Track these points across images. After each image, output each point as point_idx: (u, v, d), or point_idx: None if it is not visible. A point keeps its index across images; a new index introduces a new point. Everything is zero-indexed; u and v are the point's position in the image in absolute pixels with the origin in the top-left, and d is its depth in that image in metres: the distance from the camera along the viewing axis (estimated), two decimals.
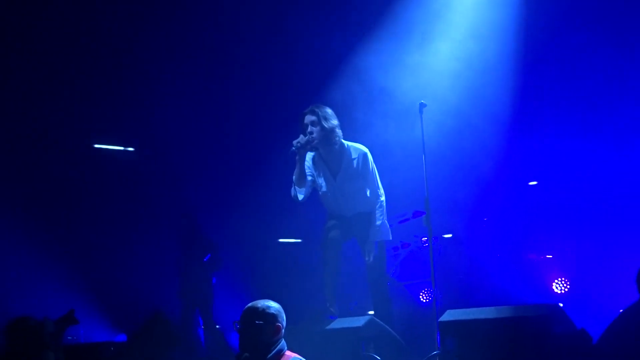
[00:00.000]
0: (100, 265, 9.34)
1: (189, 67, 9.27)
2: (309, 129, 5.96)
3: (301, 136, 5.95)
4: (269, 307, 3.96)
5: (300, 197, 6.06)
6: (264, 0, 9.00)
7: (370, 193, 6.11)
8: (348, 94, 8.11)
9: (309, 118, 5.99)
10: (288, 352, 3.92)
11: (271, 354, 3.84)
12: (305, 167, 6.11)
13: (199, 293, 8.10)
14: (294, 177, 6.04)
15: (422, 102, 6.06)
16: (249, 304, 3.98)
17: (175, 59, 9.23)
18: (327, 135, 5.96)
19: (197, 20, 9.17)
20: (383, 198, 6.18)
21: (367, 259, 6.04)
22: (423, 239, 8.18)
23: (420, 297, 8.30)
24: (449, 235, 8.20)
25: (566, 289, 7.72)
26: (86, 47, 8.94)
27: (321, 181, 6.19)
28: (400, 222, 8.29)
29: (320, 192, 6.25)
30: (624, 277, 6.35)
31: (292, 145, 5.90)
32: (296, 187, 6.03)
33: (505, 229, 8.20)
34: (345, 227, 6.18)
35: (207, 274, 8.22)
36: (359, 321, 5.59)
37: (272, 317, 3.93)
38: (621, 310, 4.48)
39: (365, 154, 6.10)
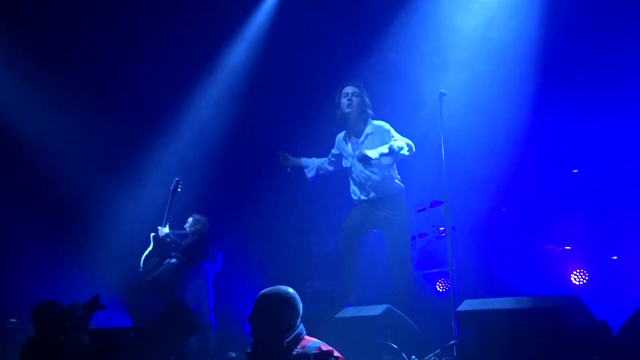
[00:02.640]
0: (120, 253, 9.47)
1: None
2: (348, 97, 6.32)
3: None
4: (287, 291, 3.96)
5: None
6: None
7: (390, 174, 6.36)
8: (366, 81, 8.12)
9: (351, 89, 6.38)
10: (307, 337, 3.91)
11: (289, 338, 3.81)
12: (332, 151, 6.59)
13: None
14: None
15: (441, 92, 6.08)
16: (264, 290, 3.99)
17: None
18: (364, 108, 6.35)
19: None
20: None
21: (393, 246, 6.24)
22: (440, 228, 8.17)
23: (437, 287, 8.29)
24: (466, 226, 8.19)
25: (585, 281, 7.68)
26: None
27: (346, 161, 6.48)
28: (418, 211, 8.29)
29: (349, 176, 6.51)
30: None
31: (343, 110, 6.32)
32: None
33: (524, 219, 8.16)
34: (367, 215, 6.30)
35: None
36: (376, 310, 5.63)
37: (291, 301, 3.93)
38: None
39: (388, 130, 6.38)
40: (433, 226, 8.25)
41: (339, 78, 7.08)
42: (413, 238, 8.26)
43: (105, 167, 9.68)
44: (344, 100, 6.38)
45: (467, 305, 5.05)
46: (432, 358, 5.07)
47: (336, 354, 3.78)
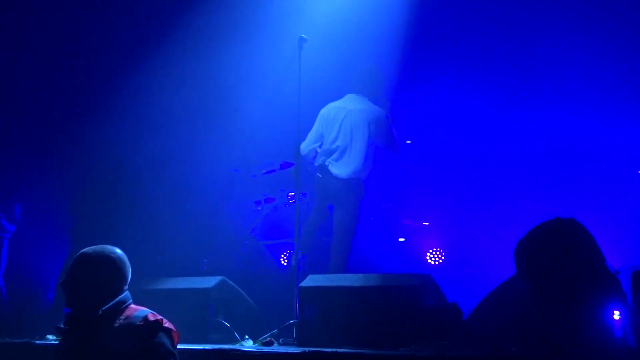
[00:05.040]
0: None
1: None
2: None
3: None
4: (113, 251, 3.81)
5: None
6: None
7: None
8: (215, 21, 7.94)
9: None
10: (133, 306, 3.78)
11: (106, 307, 3.67)
12: None
13: None
14: None
15: (302, 37, 6.08)
16: (84, 250, 3.81)
17: None
18: None
19: None
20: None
21: None
22: (290, 194, 8.24)
23: (282, 259, 8.39)
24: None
25: (441, 260, 8.05)
26: None
27: None
28: (266, 173, 8.29)
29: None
30: (504, 249, 6.72)
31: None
32: None
33: (382, 190, 8.38)
34: None
35: None
36: (208, 281, 5.62)
37: (117, 263, 3.78)
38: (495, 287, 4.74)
39: None
40: (282, 191, 8.29)
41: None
42: (258, 203, 8.28)
43: None
44: None
45: (310, 280, 5.14)
46: (268, 338, 5.11)
47: (167, 324, 3.68)
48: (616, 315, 4.09)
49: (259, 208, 8.31)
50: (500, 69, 8.08)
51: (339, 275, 5.14)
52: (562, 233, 4.13)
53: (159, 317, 3.70)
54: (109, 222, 7.80)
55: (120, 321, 3.67)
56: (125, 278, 3.81)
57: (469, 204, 8.12)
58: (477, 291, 6.71)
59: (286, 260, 8.34)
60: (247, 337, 5.20)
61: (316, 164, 6.77)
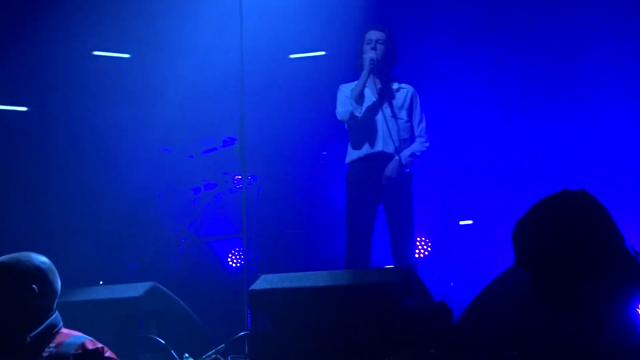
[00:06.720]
0: None
1: None
2: (372, 45, 6.93)
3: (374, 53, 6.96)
4: (39, 261, 3.77)
5: (359, 114, 6.94)
6: None
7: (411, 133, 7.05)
8: None
9: (376, 34, 6.98)
10: (65, 330, 3.78)
11: (36, 332, 3.66)
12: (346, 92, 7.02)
13: None
14: (356, 91, 6.86)
15: None
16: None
17: None
18: (392, 57, 7.08)
19: None
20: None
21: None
22: (236, 177, 8.23)
23: (229, 259, 8.39)
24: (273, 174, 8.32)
25: (426, 252, 8.10)
26: None
27: (363, 110, 6.94)
28: (205, 152, 8.29)
29: (353, 124, 6.90)
30: (501, 234, 6.77)
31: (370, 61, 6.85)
32: (355, 102, 6.91)
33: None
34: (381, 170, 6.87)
35: None
36: (136, 289, 5.61)
37: (47, 275, 3.75)
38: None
39: (414, 91, 7.11)
40: (226, 174, 8.29)
41: None
42: (197, 190, 8.27)
43: None
44: (367, 47, 6.98)
45: (263, 282, 5.14)
46: (213, 356, 5.12)
47: (108, 353, 3.70)
48: None
49: (198, 196, 8.30)
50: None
51: (298, 274, 5.12)
52: (571, 208, 4.11)
53: (99, 345, 3.70)
54: (8, 223, 7.76)
55: (51, 350, 3.66)
56: (55, 293, 3.79)
57: (458, 182, 8.17)
58: (469, 287, 6.82)
59: (234, 260, 8.35)
60: (186, 355, 5.19)
61: None
